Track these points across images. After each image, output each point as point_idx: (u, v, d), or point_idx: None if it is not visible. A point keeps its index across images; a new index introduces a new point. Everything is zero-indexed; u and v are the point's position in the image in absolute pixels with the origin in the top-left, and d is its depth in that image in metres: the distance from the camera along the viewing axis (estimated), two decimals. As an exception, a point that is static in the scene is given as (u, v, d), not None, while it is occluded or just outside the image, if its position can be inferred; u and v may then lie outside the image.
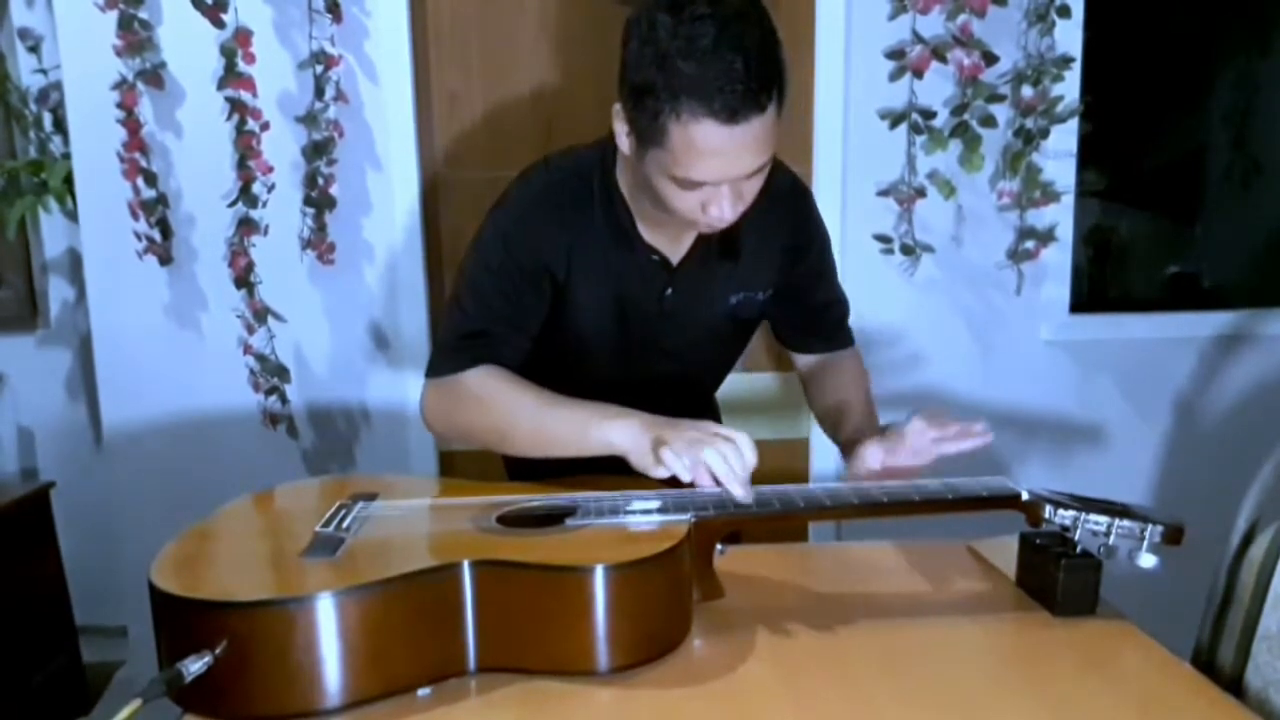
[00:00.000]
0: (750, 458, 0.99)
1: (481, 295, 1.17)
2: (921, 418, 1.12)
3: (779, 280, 1.28)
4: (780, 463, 1.20)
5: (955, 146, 2.10)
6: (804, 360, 1.41)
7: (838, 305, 1.39)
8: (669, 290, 1.22)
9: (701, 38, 0.95)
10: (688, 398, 1.36)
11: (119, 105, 1.97)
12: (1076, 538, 0.99)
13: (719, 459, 0.98)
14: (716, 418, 1.48)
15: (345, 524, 0.97)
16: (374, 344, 2.16)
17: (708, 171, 1.00)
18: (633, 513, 0.98)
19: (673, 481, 1.04)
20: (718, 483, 0.98)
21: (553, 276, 1.18)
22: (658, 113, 0.98)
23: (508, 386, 1.14)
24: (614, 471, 1.09)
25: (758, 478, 1.01)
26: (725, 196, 1.04)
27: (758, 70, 0.96)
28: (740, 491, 0.98)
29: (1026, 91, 2.07)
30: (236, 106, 1.97)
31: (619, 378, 1.25)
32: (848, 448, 1.21)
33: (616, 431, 1.05)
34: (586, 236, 1.18)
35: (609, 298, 1.21)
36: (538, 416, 1.11)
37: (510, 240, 1.16)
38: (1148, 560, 0.94)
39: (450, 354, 1.17)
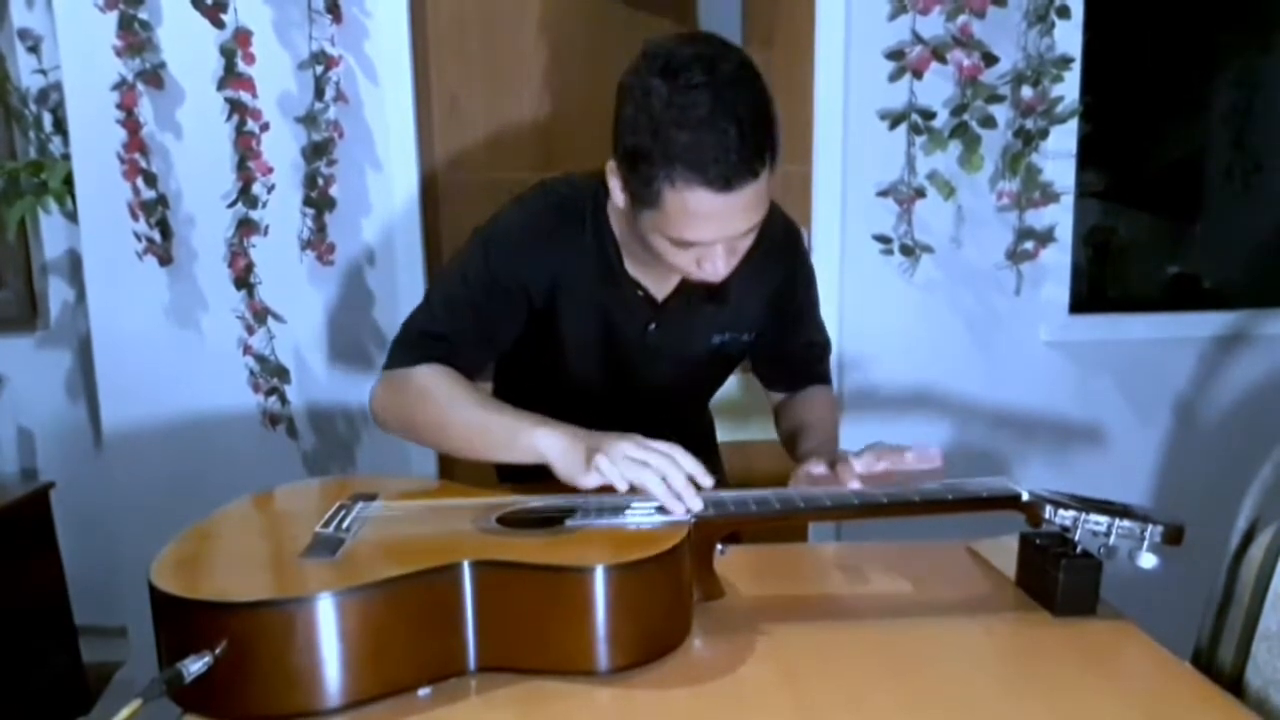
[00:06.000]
0: (689, 466, 0.99)
1: (452, 303, 1.18)
2: (872, 453, 1.09)
3: (764, 322, 1.29)
4: (778, 464, 1.20)
5: (955, 147, 2.10)
6: (776, 396, 1.40)
7: (817, 346, 1.38)
8: (653, 325, 1.22)
9: (696, 107, 0.95)
10: (676, 417, 1.36)
11: (119, 106, 1.97)
12: (1076, 538, 0.99)
13: (657, 482, 0.97)
14: (710, 433, 1.48)
15: (345, 524, 0.97)
16: (374, 345, 2.16)
17: (702, 233, 1.02)
18: (633, 513, 0.98)
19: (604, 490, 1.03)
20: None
21: (530, 300, 1.18)
22: (652, 178, 0.99)
23: (450, 385, 1.14)
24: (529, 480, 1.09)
25: (758, 479, 1.00)
26: (719, 255, 1.05)
27: (752, 138, 0.96)
28: (683, 508, 0.97)
29: (1026, 92, 2.07)
30: (236, 107, 1.97)
31: (609, 402, 1.25)
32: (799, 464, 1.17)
33: (544, 439, 1.05)
34: (573, 265, 1.18)
35: (595, 324, 1.22)
36: (473, 418, 1.11)
37: (492, 256, 1.16)
38: (1148, 560, 0.94)
39: (407, 349, 1.18)
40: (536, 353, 1.23)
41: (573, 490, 1.04)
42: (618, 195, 1.08)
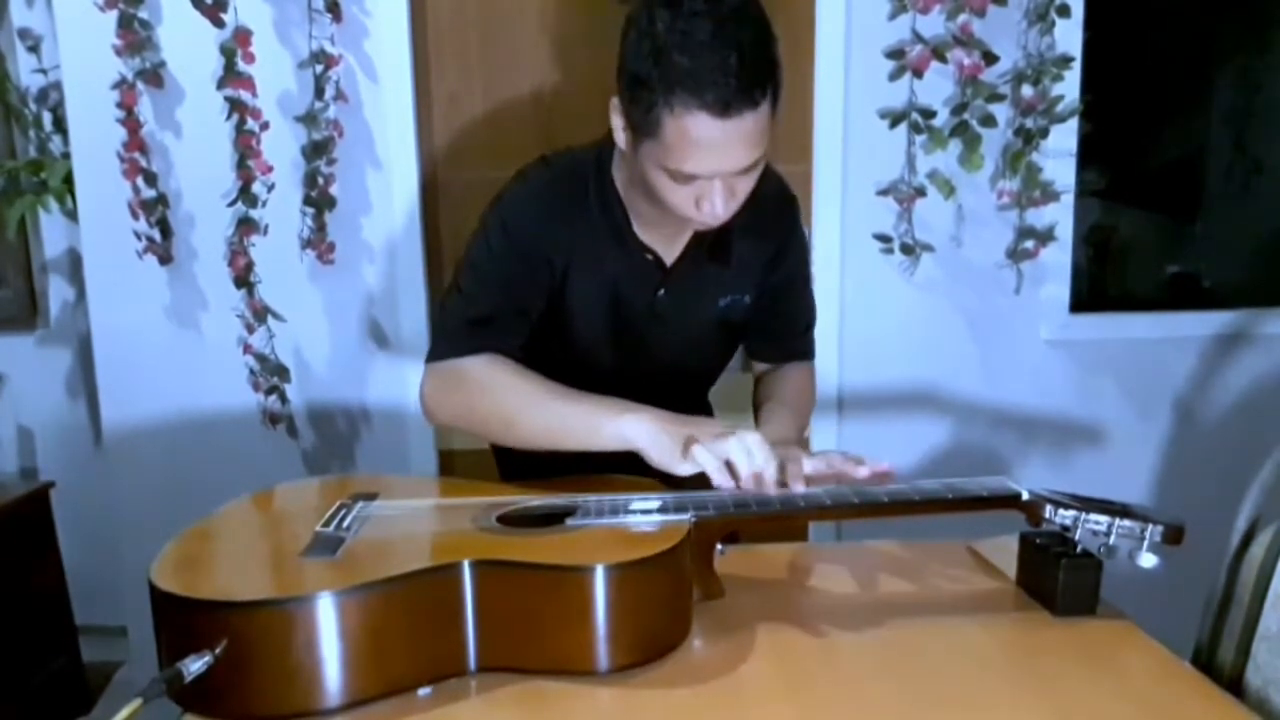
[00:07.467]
0: (763, 461, 1.01)
1: (485, 281, 1.18)
2: (824, 460, 1.08)
3: (760, 283, 1.29)
4: (779, 462, 1.20)
5: (955, 146, 2.10)
6: (760, 366, 1.41)
7: (803, 315, 1.38)
8: (661, 291, 1.22)
9: (697, 32, 0.96)
10: (683, 394, 1.37)
11: (119, 105, 1.97)
12: (1077, 537, 0.99)
13: (744, 454, 0.99)
14: (710, 415, 1.48)
15: (345, 523, 0.97)
16: (374, 343, 2.16)
17: (700, 164, 1.01)
18: (633, 513, 0.98)
19: (670, 481, 1.04)
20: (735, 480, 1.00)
21: (551, 268, 1.19)
22: (652, 105, 0.99)
23: (514, 376, 1.14)
24: (607, 469, 1.09)
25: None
26: (718, 192, 1.04)
27: (751, 66, 0.97)
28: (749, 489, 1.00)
29: (1026, 91, 2.07)
30: (236, 106, 1.97)
31: (615, 374, 1.25)
32: None
33: (633, 427, 1.05)
34: (583, 233, 1.18)
35: (603, 295, 1.22)
36: (547, 408, 1.10)
37: (512, 228, 1.17)
38: (1148, 560, 0.94)
39: (455, 339, 1.17)
40: (548, 327, 1.23)
41: (579, 489, 1.05)
42: (619, 134, 1.08)
